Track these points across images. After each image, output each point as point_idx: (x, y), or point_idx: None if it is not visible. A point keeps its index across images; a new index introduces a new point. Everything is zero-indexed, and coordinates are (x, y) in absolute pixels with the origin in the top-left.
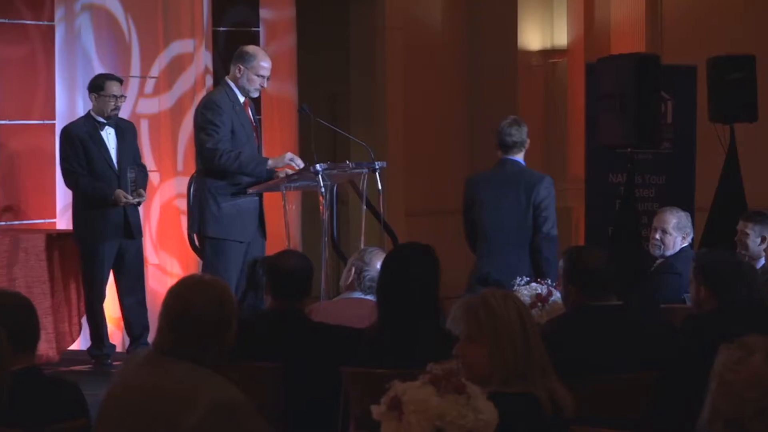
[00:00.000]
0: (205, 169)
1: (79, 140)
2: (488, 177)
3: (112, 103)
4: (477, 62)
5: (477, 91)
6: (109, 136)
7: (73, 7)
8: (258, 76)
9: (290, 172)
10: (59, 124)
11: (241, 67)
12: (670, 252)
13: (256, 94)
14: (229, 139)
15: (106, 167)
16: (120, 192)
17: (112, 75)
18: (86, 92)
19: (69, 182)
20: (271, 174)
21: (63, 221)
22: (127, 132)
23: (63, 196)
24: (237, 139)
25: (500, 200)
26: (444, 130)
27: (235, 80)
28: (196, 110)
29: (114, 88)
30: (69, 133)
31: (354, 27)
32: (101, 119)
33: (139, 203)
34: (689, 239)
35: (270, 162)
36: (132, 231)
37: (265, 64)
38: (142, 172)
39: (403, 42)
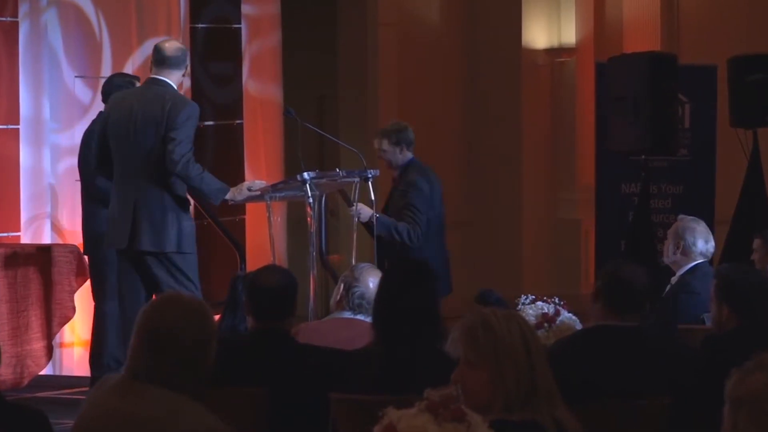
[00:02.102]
0: (158, 175)
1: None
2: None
3: None
4: (477, 61)
5: (477, 93)
6: None
7: (38, 3)
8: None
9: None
10: (24, 130)
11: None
12: (667, 260)
13: None
14: None
15: None
16: None
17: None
18: (53, 94)
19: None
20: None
21: (28, 234)
22: None
23: (28, 207)
24: None
25: None
26: (441, 135)
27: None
28: (170, 105)
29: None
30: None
31: (343, 23)
32: None
33: None
34: (681, 251)
35: (228, 195)
36: None
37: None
38: None
39: (396, 39)
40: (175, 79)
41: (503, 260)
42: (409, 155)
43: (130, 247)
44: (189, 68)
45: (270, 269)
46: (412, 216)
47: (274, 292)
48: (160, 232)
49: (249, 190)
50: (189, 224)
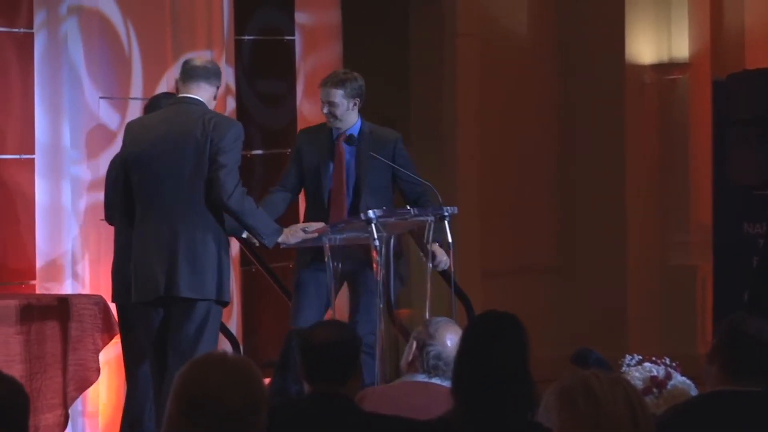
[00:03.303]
0: (198, 209)
1: None
2: None
3: None
4: (573, 79)
5: (572, 116)
6: None
7: (57, 11)
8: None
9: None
10: (40, 160)
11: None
12: None
13: None
14: None
15: None
16: None
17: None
18: (74, 118)
19: None
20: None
21: (44, 283)
22: None
23: (45, 250)
24: None
25: None
26: (529, 165)
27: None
28: (213, 125)
29: None
30: None
31: (415, 34)
32: None
33: None
34: None
35: (281, 237)
36: None
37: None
38: None
39: (477, 53)
40: (207, 97)
41: (604, 313)
42: (357, 115)
43: (166, 294)
44: (219, 90)
45: (328, 324)
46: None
47: (333, 350)
48: (200, 276)
49: (305, 231)
50: (229, 268)
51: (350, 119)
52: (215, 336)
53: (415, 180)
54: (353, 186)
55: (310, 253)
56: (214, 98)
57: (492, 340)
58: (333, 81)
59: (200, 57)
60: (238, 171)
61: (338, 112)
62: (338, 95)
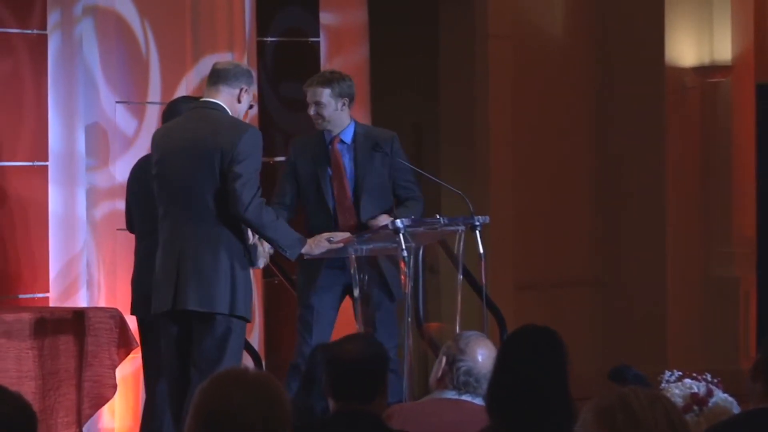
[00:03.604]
0: (212, 220)
1: None
2: None
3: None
4: (610, 82)
5: (610, 122)
6: None
7: (71, 11)
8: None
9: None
10: (54, 167)
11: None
12: None
13: None
14: None
15: None
16: None
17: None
18: (89, 124)
19: None
20: None
21: (58, 295)
22: None
23: (59, 261)
24: None
25: None
26: (566, 173)
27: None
28: (229, 132)
29: None
30: None
31: (445, 35)
32: None
33: None
34: None
35: (305, 248)
36: None
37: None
38: None
39: (510, 55)
40: (228, 100)
41: (643, 328)
42: (349, 117)
43: (175, 307)
44: (254, 94)
45: (354, 339)
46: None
47: (360, 366)
48: (207, 289)
49: (329, 242)
50: (247, 283)
51: (341, 121)
52: (238, 354)
53: (406, 183)
54: (353, 189)
55: (308, 270)
56: (239, 101)
57: (531, 356)
58: (319, 80)
59: (226, 60)
60: (257, 180)
61: (325, 112)
62: (325, 95)
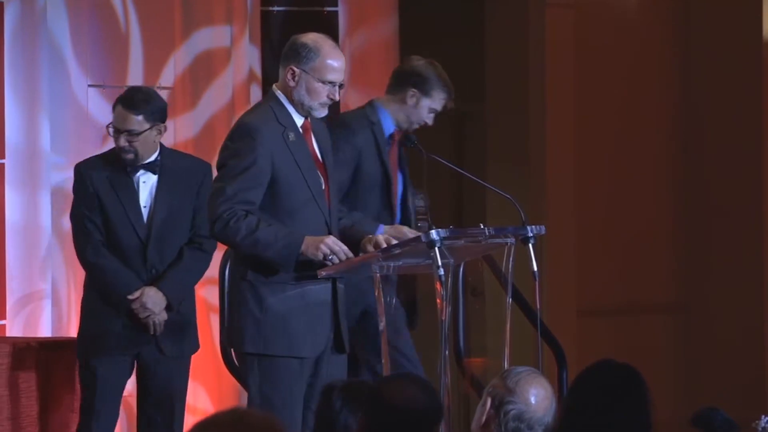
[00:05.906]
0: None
1: None
2: None
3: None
4: (695, 60)
5: (696, 111)
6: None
7: None
8: (324, 82)
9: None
10: (12, 165)
11: (296, 69)
12: None
13: (322, 113)
14: (262, 192)
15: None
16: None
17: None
18: (56, 112)
19: None
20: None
21: (18, 323)
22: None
23: (19, 281)
24: (285, 193)
25: None
26: (641, 176)
27: (287, 91)
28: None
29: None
30: None
31: (491, 3)
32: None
33: None
34: None
35: (303, 246)
36: None
37: (335, 63)
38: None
39: (572, 27)
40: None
41: (734, 362)
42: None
43: None
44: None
45: (406, 381)
46: None
47: (418, 417)
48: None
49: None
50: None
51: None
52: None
53: None
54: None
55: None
56: (292, 80)
57: (606, 401)
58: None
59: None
60: (222, 192)
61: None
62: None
